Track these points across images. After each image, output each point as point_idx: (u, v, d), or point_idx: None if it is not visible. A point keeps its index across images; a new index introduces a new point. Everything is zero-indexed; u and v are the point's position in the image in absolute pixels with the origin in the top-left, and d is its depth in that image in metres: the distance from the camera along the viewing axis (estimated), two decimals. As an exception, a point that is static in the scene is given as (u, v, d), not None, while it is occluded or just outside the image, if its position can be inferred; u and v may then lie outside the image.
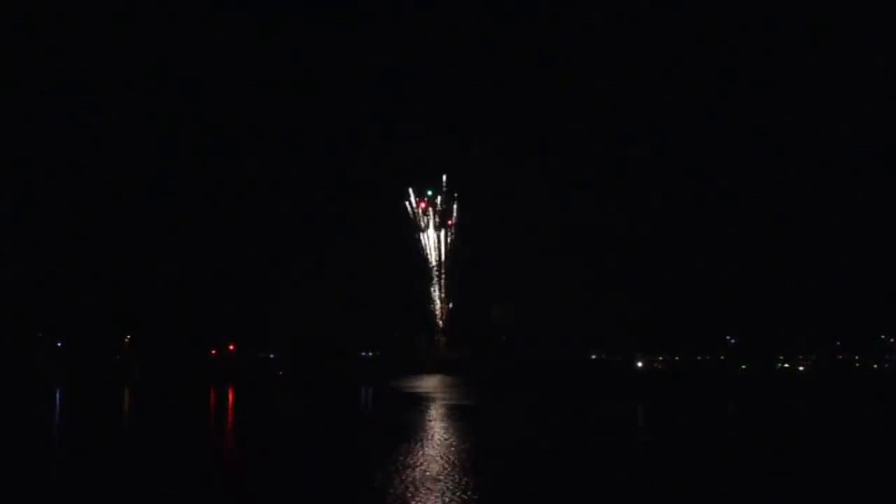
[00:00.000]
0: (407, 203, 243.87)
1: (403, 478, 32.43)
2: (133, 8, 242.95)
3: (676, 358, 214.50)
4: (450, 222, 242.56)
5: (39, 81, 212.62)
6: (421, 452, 40.53)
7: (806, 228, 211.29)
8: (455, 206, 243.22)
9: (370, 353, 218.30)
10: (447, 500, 28.23)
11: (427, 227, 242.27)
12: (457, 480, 32.02)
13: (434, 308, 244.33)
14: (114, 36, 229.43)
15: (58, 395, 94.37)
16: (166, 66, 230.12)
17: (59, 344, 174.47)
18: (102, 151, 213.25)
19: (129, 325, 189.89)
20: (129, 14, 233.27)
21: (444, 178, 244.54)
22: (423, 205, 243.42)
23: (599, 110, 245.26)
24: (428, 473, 33.71)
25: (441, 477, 32.87)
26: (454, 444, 44.78)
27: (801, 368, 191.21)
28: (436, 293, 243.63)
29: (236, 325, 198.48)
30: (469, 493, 29.53)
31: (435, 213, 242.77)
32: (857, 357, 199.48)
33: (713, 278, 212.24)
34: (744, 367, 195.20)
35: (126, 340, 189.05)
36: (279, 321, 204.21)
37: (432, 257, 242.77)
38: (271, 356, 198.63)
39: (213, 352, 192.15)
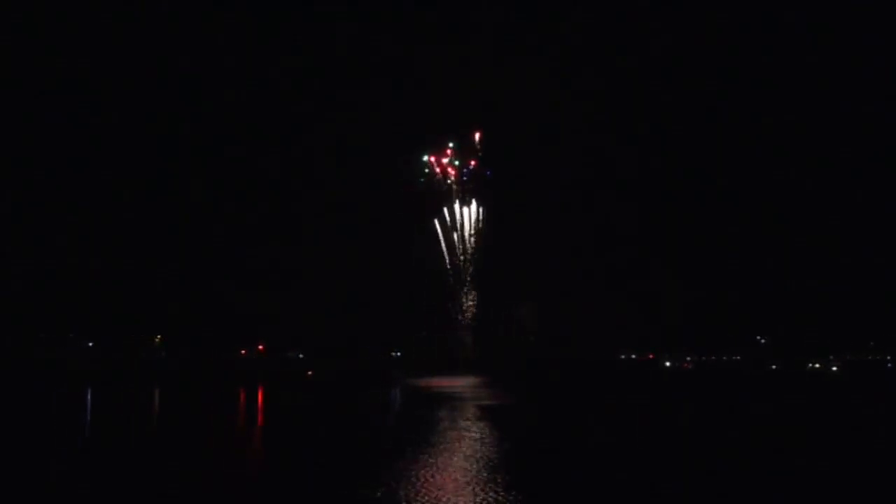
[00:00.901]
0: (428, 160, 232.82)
1: (438, 477, 32.52)
2: (133, 8, 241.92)
3: (703, 358, 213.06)
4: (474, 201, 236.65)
5: (39, 81, 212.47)
6: (457, 457, 40.52)
7: (839, 227, 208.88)
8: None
9: (398, 353, 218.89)
10: (479, 500, 28.37)
11: (450, 196, 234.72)
12: (489, 479, 32.13)
13: (460, 305, 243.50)
14: (114, 36, 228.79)
15: (88, 394, 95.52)
16: (166, 66, 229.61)
17: (89, 344, 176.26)
18: (120, 150, 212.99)
19: (159, 324, 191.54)
20: (129, 14, 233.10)
21: (478, 136, 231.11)
22: (440, 167, 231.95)
23: (599, 110, 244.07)
24: (463, 477, 33.81)
25: (475, 477, 32.98)
26: (491, 444, 44.78)
27: (833, 369, 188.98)
28: (462, 289, 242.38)
29: (265, 326, 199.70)
30: (501, 492, 29.61)
31: (458, 179, 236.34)
32: (889, 358, 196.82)
33: (743, 277, 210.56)
34: (773, 367, 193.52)
35: (156, 340, 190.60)
36: (306, 320, 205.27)
37: (456, 236, 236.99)
38: (300, 356, 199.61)
39: (243, 352, 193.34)
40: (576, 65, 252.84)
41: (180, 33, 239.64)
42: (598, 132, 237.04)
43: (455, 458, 38.06)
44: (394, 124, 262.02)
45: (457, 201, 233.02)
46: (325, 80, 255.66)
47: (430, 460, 37.24)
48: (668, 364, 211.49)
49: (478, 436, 48.31)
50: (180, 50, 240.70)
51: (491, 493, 29.11)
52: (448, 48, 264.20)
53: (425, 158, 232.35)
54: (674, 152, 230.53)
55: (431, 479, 31.83)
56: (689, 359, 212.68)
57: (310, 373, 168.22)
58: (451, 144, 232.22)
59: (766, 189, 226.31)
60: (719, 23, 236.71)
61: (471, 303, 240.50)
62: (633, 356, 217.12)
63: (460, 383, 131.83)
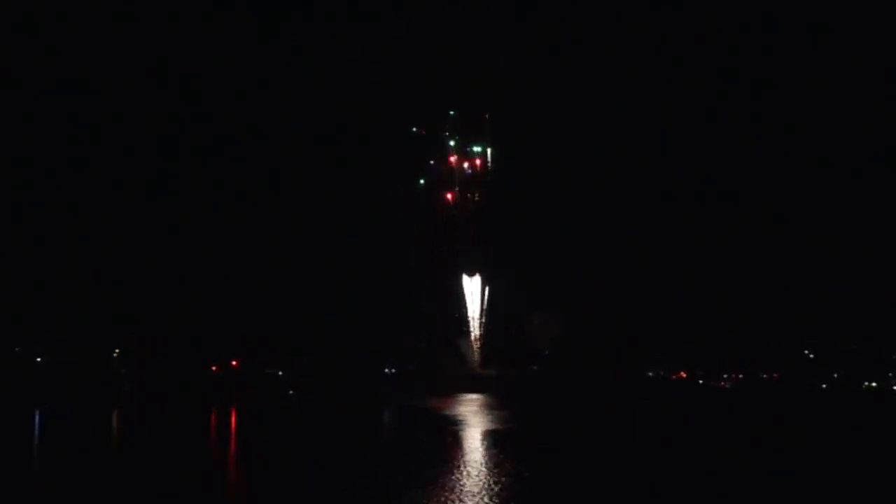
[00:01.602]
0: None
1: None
2: (133, 8, 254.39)
3: (742, 375, 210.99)
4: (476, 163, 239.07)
5: (39, 81, 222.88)
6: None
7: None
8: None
9: (393, 370, 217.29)
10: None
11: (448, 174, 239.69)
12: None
13: (465, 315, 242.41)
14: (114, 36, 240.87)
15: (36, 421, 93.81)
16: (166, 66, 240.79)
17: (38, 359, 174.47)
18: (95, 152, 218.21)
19: (118, 336, 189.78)
20: (130, 14, 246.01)
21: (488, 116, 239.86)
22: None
23: (600, 111, 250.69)
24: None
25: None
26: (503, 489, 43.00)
27: (895, 388, 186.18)
28: (466, 294, 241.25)
29: (240, 338, 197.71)
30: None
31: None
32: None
33: (788, 284, 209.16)
34: (824, 386, 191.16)
35: (115, 354, 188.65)
36: (288, 333, 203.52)
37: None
38: (280, 373, 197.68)
39: (214, 368, 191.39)
40: (575, 65, 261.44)
41: (180, 33, 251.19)
42: (619, 133, 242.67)
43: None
44: (394, 124, 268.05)
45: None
46: (322, 79, 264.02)
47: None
48: (701, 382, 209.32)
49: (486, 476, 46.68)
50: (180, 50, 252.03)
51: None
52: (449, 47, 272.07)
53: (414, 130, 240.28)
54: (703, 156, 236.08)
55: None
56: (725, 376, 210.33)
57: (292, 392, 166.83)
58: (451, 112, 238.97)
59: (810, 193, 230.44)
60: (719, 23, 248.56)
61: (475, 311, 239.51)
62: (662, 373, 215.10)
63: (467, 407, 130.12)
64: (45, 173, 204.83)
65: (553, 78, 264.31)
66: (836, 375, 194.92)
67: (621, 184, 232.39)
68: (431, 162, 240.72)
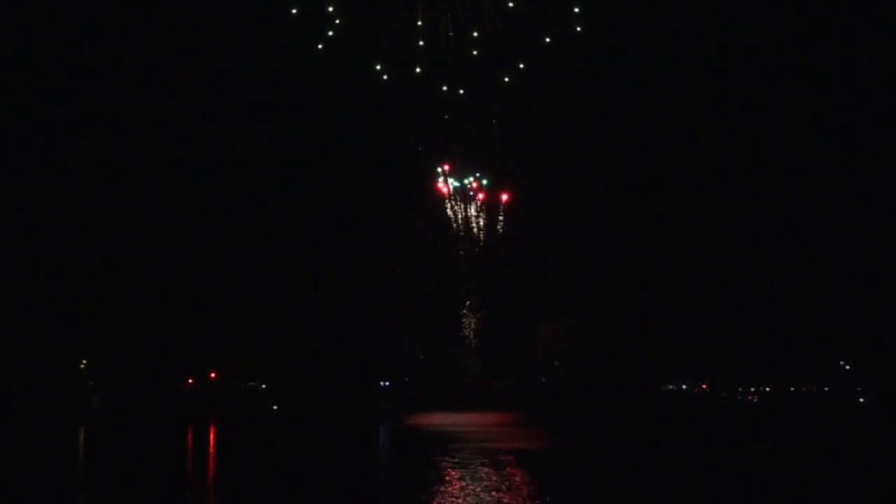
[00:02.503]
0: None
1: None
2: (133, 8, 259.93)
3: (767, 389, 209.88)
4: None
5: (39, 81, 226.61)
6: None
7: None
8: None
9: (388, 383, 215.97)
10: None
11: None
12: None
13: (465, 322, 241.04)
14: (113, 36, 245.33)
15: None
16: (166, 65, 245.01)
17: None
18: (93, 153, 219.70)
19: (85, 346, 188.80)
20: (129, 14, 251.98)
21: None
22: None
23: (606, 118, 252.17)
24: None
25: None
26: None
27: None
28: (467, 299, 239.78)
29: (218, 347, 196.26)
30: None
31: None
32: None
33: (820, 288, 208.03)
34: (861, 400, 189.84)
35: (82, 365, 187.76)
36: (270, 342, 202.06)
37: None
38: (262, 386, 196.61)
39: (191, 381, 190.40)
40: (574, 64, 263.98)
41: (180, 33, 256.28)
42: (619, 134, 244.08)
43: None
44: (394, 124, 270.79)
45: None
46: (313, 78, 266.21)
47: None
48: (723, 395, 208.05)
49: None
50: (179, 49, 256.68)
51: None
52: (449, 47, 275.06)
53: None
54: (720, 150, 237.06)
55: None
56: (753, 390, 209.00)
57: (276, 407, 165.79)
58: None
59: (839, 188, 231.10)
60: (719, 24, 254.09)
61: (477, 319, 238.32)
62: (684, 386, 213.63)
63: (467, 421, 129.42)
64: (13, 173, 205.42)
65: (551, 77, 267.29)
66: (872, 389, 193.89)
67: (625, 186, 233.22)
68: (420, 149, 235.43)
